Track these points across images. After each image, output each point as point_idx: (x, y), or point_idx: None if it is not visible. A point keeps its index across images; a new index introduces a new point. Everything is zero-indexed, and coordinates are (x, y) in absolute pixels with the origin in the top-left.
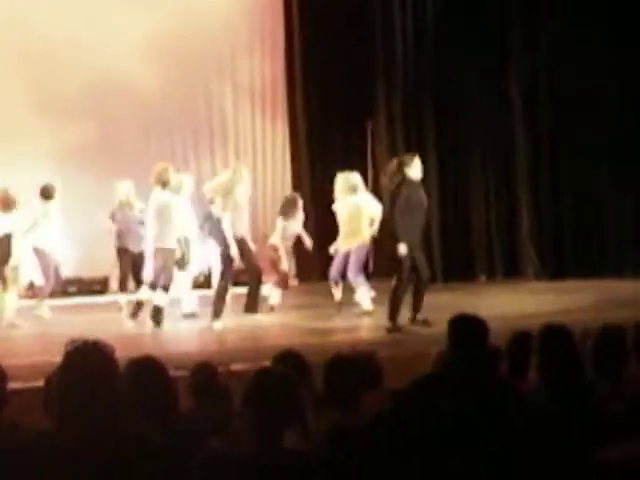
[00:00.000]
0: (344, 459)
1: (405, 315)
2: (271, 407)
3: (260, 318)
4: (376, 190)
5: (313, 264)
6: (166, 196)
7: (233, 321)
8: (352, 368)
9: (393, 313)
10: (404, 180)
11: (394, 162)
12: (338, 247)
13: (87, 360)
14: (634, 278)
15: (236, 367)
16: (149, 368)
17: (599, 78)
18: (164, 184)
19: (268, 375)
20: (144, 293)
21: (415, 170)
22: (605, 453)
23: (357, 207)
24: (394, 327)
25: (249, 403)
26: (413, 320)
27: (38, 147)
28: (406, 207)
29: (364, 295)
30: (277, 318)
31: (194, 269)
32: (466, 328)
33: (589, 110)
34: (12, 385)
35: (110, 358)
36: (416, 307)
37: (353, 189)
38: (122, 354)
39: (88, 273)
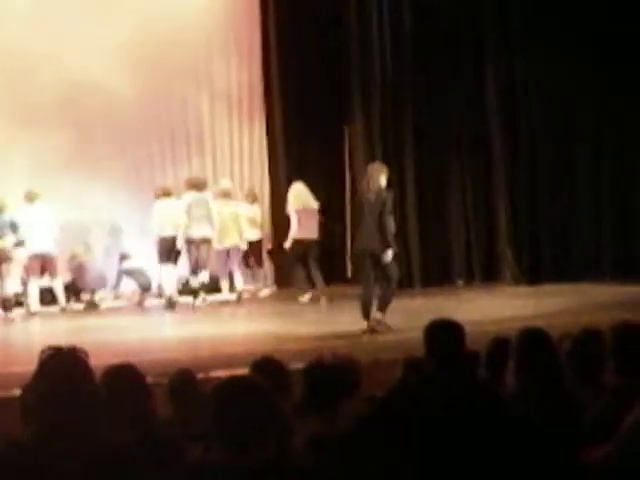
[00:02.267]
0: (324, 466)
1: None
2: (240, 417)
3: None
4: (354, 193)
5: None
6: None
7: (213, 328)
8: (331, 375)
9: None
10: (386, 187)
11: (376, 169)
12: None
13: (61, 367)
14: (612, 282)
15: (215, 374)
16: (127, 375)
17: (577, 82)
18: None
19: (234, 384)
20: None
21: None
22: (583, 457)
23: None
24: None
25: (216, 414)
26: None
27: (15, 157)
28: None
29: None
30: (256, 324)
31: None
32: (443, 333)
33: (567, 116)
34: None
35: (84, 364)
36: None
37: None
38: (100, 361)
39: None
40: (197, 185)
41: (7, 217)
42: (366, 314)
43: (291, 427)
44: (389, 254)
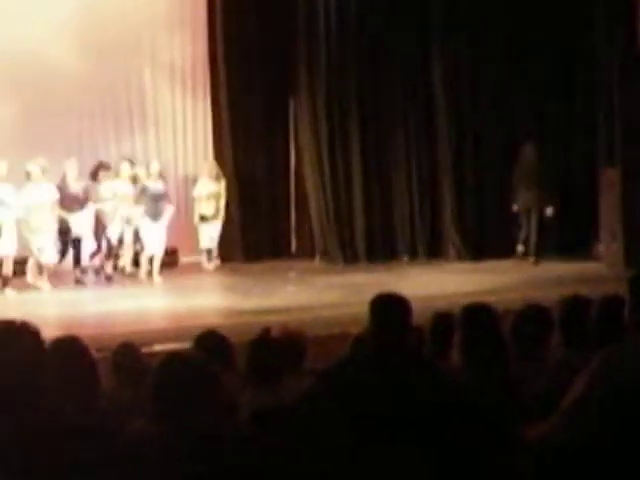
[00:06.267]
0: (267, 439)
1: None
2: (179, 392)
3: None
4: (299, 165)
5: (236, 243)
6: None
7: (158, 301)
8: (275, 349)
9: None
10: None
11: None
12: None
13: (14, 341)
14: (554, 258)
15: (159, 348)
16: (72, 348)
17: (516, 67)
18: None
19: (173, 360)
20: None
21: None
22: (525, 432)
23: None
24: None
25: (156, 390)
26: None
27: None
28: None
29: None
30: (203, 298)
31: None
32: (388, 307)
33: (509, 97)
34: None
35: (37, 339)
36: None
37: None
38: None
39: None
40: None
41: None
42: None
43: (235, 401)
44: (551, 209)
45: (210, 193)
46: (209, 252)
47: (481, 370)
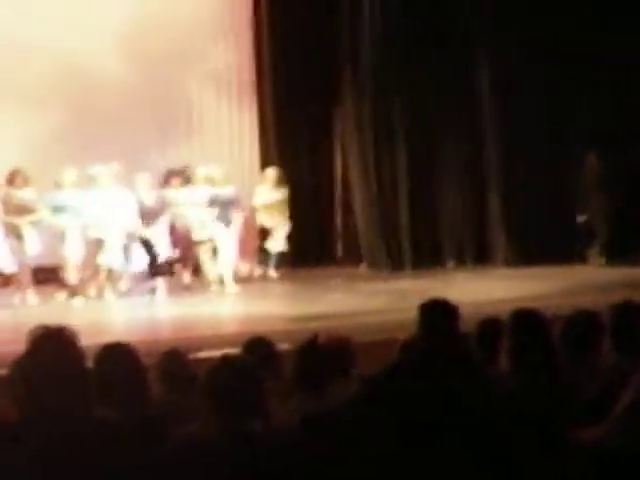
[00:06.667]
0: (315, 444)
1: None
2: (229, 397)
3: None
4: (345, 172)
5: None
6: None
7: (204, 309)
8: (322, 355)
9: None
10: None
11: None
12: None
13: (52, 346)
14: (604, 264)
15: (206, 354)
16: (120, 354)
17: (570, 67)
18: None
19: (224, 365)
20: None
21: None
22: (576, 437)
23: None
24: None
25: (206, 394)
26: None
27: (4, 139)
28: None
29: None
30: (250, 305)
31: None
32: (437, 313)
33: (561, 99)
34: None
35: (74, 344)
36: None
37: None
38: (94, 341)
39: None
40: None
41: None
42: None
43: (277, 408)
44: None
45: (273, 200)
46: (273, 257)
47: (530, 376)
